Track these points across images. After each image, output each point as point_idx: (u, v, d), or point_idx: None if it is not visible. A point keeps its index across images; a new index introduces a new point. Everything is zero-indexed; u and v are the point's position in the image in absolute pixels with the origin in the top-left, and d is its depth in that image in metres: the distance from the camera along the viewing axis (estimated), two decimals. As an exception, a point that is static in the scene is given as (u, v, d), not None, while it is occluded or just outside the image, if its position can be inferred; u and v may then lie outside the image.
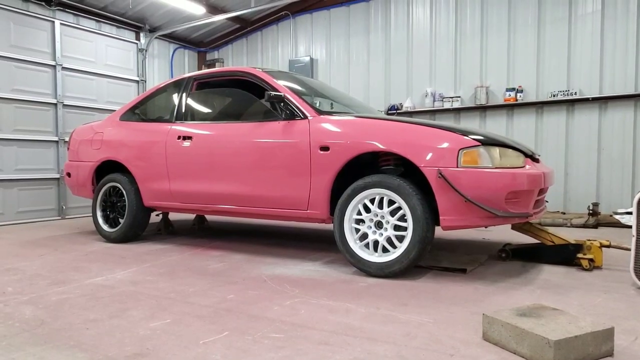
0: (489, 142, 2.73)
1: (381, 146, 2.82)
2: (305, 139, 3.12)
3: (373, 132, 2.89)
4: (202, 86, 4.01)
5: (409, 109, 6.46)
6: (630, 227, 4.85)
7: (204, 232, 4.75)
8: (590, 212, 5.01)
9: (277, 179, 3.24)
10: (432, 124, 2.89)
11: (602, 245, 3.04)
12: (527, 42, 5.75)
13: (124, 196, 4.12)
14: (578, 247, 3.06)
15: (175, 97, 4.02)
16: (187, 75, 4.10)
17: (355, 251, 2.91)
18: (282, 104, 3.28)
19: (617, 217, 4.96)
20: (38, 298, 2.43)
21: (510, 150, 2.81)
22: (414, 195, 2.73)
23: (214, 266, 3.17)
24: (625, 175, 5.28)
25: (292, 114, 3.26)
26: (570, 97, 5.44)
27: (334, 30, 7.20)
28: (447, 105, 6.18)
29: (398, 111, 6.51)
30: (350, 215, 2.95)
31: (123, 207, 4.12)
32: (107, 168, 4.38)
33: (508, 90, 5.75)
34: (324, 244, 4.01)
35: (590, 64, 5.41)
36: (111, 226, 4.19)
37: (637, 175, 5.24)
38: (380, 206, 2.86)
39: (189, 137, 3.71)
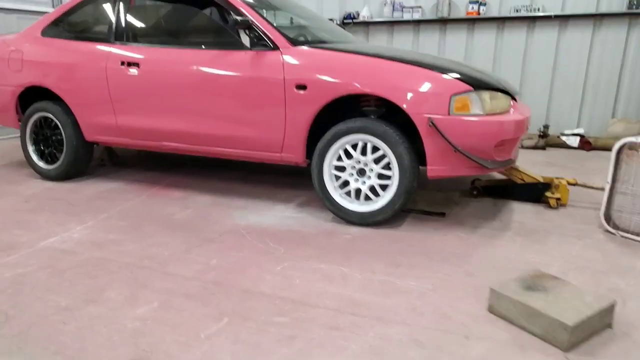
0: (479, 85, 2.57)
1: (368, 89, 2.57)
2: (278, 75, 2.77)
3: (359, 72, 2.61)
4: (143, -1, 3.38)
5: (365, 19, 6.02)
6: (574, 148, 5.11)
7: (153, 161, 4.37)
8: (541, 134, 5.18)
9: (246, 119, 2.93)
10: (419, 61, 2.65)
11: (569, 184, 3.14)
12: (494, -51, 5.38)
13: (59, 128, 3.59)
14: (547, 186, 3.14)
15: (111, 11, 3.38)
16: (123, -17, 3.42)
17: (336, 199, 2.78)
18: (247, 31, 2.85)
19: (563, 138, 5.18)
20: (-12, 275, 2.12)
21: (500, 93, 2.68)
22: (401, 143, 2.58)
23: (181, 215, 2.93)
24: (576, 97, 5.43)
25: (260, 43, 2.86)
26: (532, 14, 5.30)
27: None
28: (406, 17, 5.81)
29: (354, 21, 6.06)
30: (330, 161, 2.77)
31: (60, 142, 3.62)
32: (34, 93, 3.76)
33: (471, 2, 5.47)
34: (288, 178, 3.84)
35: (555, -22, 5.22)
36: (48, 162, 3.70)
37: (586, 97, 5.41)
38: (363, 153, 2.70)
39: (135, 64, 3.19)
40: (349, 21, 6.09)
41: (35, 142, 3.73)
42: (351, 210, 2.75)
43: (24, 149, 3.74)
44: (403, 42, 5.98)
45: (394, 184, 2.64)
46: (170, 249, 2.41)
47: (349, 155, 2.74)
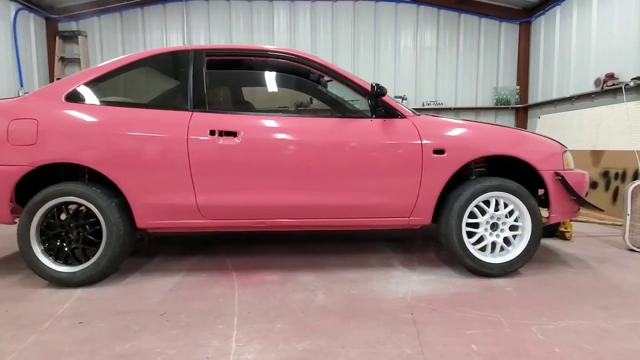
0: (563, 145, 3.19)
1: (513, 152, 2.89)
2: (414, 141, 2.87)
3: (492, 137, 2.94)
4: (216, 65, 3.05)
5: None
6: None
7: (162, 238, 3.55)
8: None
9: (377, 186, 2.87)
10: (525, 131, 3.14)
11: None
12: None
13: (92, 216, 2.73)
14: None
15: (181, 75, 2.92)
16: (187, 47, 3.02)
17: (476, 255, 2.92)
18: (373, 100, 2.92)
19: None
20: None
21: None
22: (532, 198, 2.94)
23: (322, 299, 2.57)
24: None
25: (387, 113, 2.94)
26: (437, 107, 6.58)
27: (235, 21, 6.66)
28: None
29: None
30: (465, 219, 2.93)
31: (95, 233, 2.72)
32: (39, 176, 2.80)
33: (396, 97, 6.46)
34: (333, 242, 3.66)
35: (449, 84, 6.69)
36: (70, 264, 2.71)
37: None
38: (495, 208, 2.96)
39: (232, 133, 2.79)
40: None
41: (47, 240, 2.71)
42: (492, 264, 2.92)
43: (26, 250, 2.66)
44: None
45: (526, 234, 2.95)
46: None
47: (482, 212, 2.96)
